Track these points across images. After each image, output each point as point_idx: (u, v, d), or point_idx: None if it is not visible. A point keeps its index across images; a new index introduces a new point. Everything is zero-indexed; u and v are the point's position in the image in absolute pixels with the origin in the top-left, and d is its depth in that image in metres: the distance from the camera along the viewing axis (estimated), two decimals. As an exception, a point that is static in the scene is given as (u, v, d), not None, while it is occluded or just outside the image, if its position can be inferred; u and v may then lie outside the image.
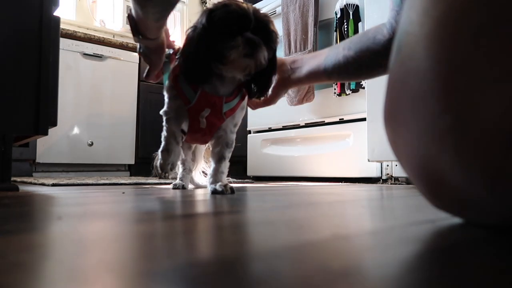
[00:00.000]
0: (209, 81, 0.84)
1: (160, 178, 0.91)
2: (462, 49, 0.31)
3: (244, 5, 0.80)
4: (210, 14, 0.80)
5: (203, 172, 1.18)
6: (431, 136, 0.34)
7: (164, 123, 0.91)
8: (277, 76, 0.94)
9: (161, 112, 0.92)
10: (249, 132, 2.40)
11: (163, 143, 0.90)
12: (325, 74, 0.87)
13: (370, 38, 0.80)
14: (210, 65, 0.81)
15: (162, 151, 0.89)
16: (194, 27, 0.82)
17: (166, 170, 0.88)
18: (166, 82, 0.91)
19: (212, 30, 0.79)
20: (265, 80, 0.87)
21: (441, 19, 0.33)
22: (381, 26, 0.78)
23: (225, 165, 0.93)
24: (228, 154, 0.93)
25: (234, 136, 0.94)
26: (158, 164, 0.89)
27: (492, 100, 0.30)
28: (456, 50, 0.32)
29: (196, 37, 0.81)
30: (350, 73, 0.86)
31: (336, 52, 0.85)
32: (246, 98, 0.94)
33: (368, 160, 1.65)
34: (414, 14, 0.37)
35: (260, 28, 0.80)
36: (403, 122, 0.37)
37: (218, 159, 0.92)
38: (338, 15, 1.82)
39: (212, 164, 0.93)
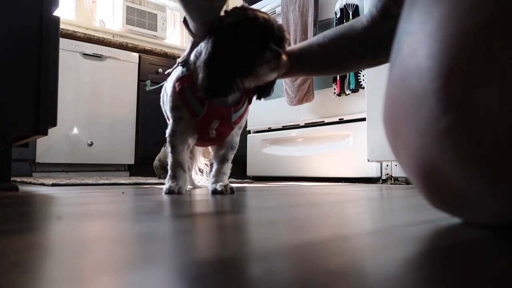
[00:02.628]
0: (231, 95, 0.82)
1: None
2: (464, 48, 0.31)
3: (266, 15, 0.79)
4: (235, 27, 0.77)
5: (199, 170, 1.18)
6: (432, 136, 0.34)
7: (169, 150, 0.90)
8: None
9: (166, 136, 0.90)
10: (249, 132, 2.40)
11: (169, 171, 0.89)
12: (298, 67, 0.85)
13: (347, 26, 0.78)
14: (234, 78, 0.79)
15: (169, 178, 0.89)
16: (216, 39, 0.78)
17: (174, 193, 0.87)
18: (169, 102, 0.89)
19: (240, 44, 0.76)
20: (270, 85, 0.86)
21: (443, 18, 0.33)
22: (362, 16, 0.77)
23: (228, 167, 0.92)
24: (231, 156, 0.94)
25: (238, 139, 0.95)
26: (166, 188, 0.88)
27: (493, 99, 0.30)
28: (458, 49, 0.32)
29: (223, 50, 0.77)
30: (321, 65, 0.83)
31: (311, 42, 0.84)
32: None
33: (368, 160, 1.65)
34: (415, 13, 0.37)
35: (278, 38, 0.79)
36: (403, 121, 0.37)
37: (221, 160, 0.92)
38: (338, 15, 1.82)
39: (215, 165, 0.93)
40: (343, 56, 0.80)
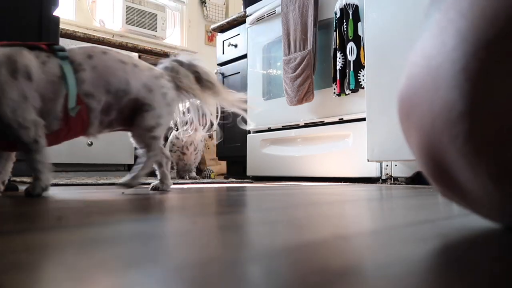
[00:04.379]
0: None
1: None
2: (492, 30, 0.30)
3: None
4: None
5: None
6: (445, 120, 0.32)
7: None
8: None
9: None
10: (249, 132, 2.40)
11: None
12: None
13: None
14: None
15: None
16: None
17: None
18: None
19: None
20: None
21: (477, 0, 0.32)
22: None
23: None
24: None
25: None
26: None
27: (509, 89, 0.29)
28: (485, 30, 0.30)
29: None
30: None
31: None
32: None
33: (368, 160, 1.65)
34: None
35: None
36: (418, 102, 0.36)
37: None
38: (338, 15, 1.82)
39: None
40: None
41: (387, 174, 1.70)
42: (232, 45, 2.55)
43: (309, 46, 1.95)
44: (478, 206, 0.37)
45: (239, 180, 1.89)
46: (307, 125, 2.06)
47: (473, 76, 0.30)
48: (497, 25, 0.30)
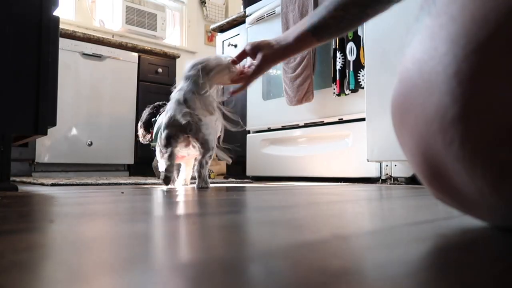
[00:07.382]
0: None
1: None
2: (482, 34, 0.30)
3: None
4: None
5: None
6: (438, 125, 0.32)
7: None
8: (262, 52, 1.00)
9: None
10: (248, 132, 2.40)
11: None
12: (313, 36, 0.89)
13: None
14: None
15: None
16: None
17: None
18: None
19: None
20: None
21: (467, 3, 0.32)
22: None
23: None
24: None
25: None
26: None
27: (506, 92, 0.29)
28: (476, 35, 0.30)
29: None
30: (338, 30, 0.87)
31: (320, 12, 0.86)
32: None
33: (368, 160, 1.65)
34: None
35: None
36: (412, 107, 0.36)
37: None
38: (338, 15, 1.82)
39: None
40: (359, 20, 0.83)
41: (387, 174, 1.70)
42: (232, 45, 2.55)
43: (309, 46, 1.95)
44: (474, 208, 0.37)
45: (239, 180, 1.89)
46: (306, 125, 2.06)
47: (465, 80, 0.30)
48: (487, 29, 0.30)
